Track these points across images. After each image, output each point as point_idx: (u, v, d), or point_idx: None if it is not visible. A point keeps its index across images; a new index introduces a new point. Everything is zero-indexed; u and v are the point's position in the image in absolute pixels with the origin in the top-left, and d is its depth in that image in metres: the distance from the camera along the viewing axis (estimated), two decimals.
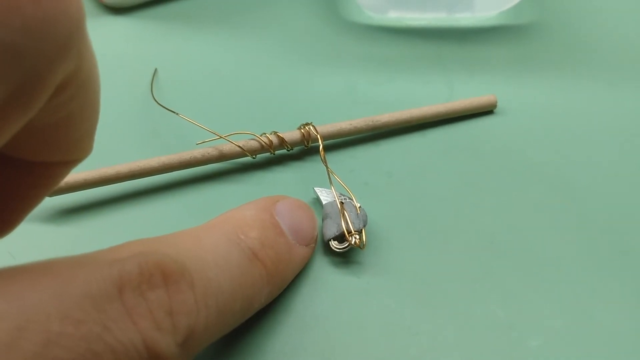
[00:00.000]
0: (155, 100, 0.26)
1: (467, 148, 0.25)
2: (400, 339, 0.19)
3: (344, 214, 0.21)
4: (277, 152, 0.24)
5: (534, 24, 0.31)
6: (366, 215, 0.21)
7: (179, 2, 0.33)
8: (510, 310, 0.20)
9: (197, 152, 0.23)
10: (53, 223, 0.23)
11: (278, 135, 0.24)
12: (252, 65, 0.29)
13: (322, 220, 0.21)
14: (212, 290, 0.14)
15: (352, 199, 0.22)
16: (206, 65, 0.29)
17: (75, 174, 0.22)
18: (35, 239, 0.22)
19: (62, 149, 0.13)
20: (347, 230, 0.21)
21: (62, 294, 0.11)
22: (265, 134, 0.24)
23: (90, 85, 0.12)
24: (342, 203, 0.21)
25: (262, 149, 0.24)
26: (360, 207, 0.21)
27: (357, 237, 0.21)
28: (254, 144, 0.24)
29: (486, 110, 0.27)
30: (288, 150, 0.24)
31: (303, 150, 0.25)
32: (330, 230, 0.21)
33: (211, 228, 0.17)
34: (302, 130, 0.24)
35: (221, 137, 0.23)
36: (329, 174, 0.23)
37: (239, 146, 0.23)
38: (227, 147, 0.23)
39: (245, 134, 0.24)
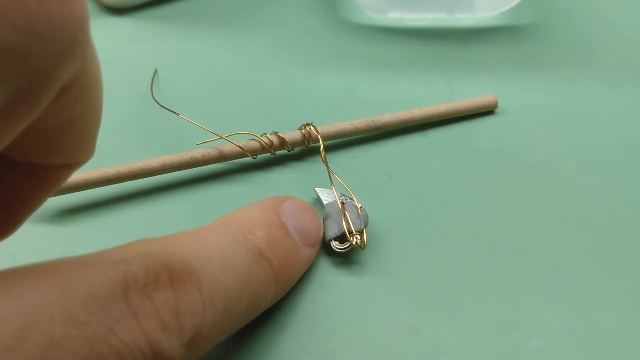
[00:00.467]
0: (156, 101, 0.26)
1: (467, 148, 0.25)
2: (401, 339, 0.19)
3: (345, 214, 0.21)
4: (277, 152, 0.24)
5: (534, 24, 0.31)
6: (367, 216, 0.21)
7: (179, 2, 0.33)
8: (511, 311, 0.20)
9: (198, 153, 0.23)
10: (53, 223, 0.23)
11: (279, 136, 0.24)
12: (252, 66, 0.29)
13: (323, 220, 0.21)
14: (218, 290, 0.14)
15: (353, 199, 0.22)
16: (206, 65, 0.29)
17: (75, 174, 0.22)
18: (34, 239, 0.22)
19: (65, 152, 0.13)
20: (348, 231, 0.21)
21: (65, 295, 0.11)
22: (265, 134, 0.24)
23: (94, 87, 0.12)
24: (343, 203, 0.21)
25: (263, 149, 0.24)
26: (361, 207, 0.21)
27: (358, 237, 0.21)
28: (254, 144, 0.24)
29: (487, 111, 0.27)
30: (289, 151, 0.24)
31: (304, 150, 0.25)
32: (332, 231, 0.21)
33: (217, 228, 0.17)
34: (302, 131, 0.24)
35: (221, 138, 0.23)
36: (329, 174, 0.23)
37: (239, 146, 0.23)
38: (227, 147, 0.23)
39: (246, 134, 0.24)
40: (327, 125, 0.24)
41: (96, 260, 0.12)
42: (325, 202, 0.22)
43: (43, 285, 0.11)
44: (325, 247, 0.21)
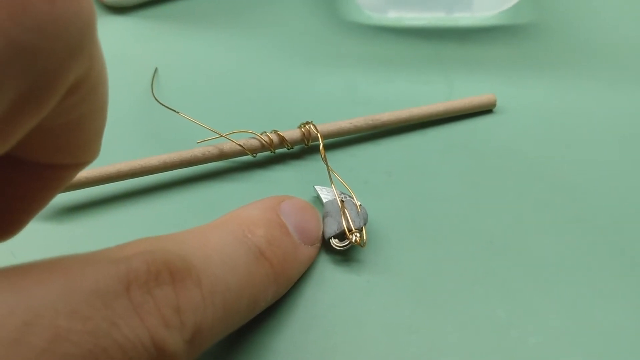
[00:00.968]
0: (156, 99, 0.26)
1: (466, 147, 0.25)
2: (400, 337, 0.19)
3: (344, 212, 0.21)
4: (277, 150, 0.24)
5: (533, 23, 0.32)
6: (366, 214, 0.22)
7: (179, 2, 0.33)
8: (510, 309, 0.20)
9: (198, 151, 0.23)
10: (54, 221, 0.23)
11: (278, 134, 0.24)
12: (252, 64, 0.29)
13: (323, 218, 0.22)
14: (219, 287, 0.14)
15: (352, 197, 0.22)
16: (206, 64, 0.29)
17: None
18: (36, 237, 0.22)
19: (71, 152, 0.14)
20: (347, 228, 0.21)
21: (70, 290, 0.11)
22: (265, 132, 0.24)
23: (100, 87, 0.12)
24: (342, 201, 0.22)
25: (263, 147, 0.24)
26: (360, 205, 0.22)
27: (358, 235, 0.21)
28: (254, 142, 0.24)
29: (486, 109, 0.27)
30: (288, 149, 0.25)
31: (303, 149, 0.25)
32: (331, 228, 0.21)
33: (218, 226, 0.17)
34: (302, 129, 0.24)
35: (222, 136, 0.23)
36: (329, 173, 0.23)
37: (239, 145, 0.24)
38: (227, 145, 0.24)
39: (246, 132, 0.24)
40: (327, 123, 0.25)
41: (99, 257, 0.12)
42: (324, 200, 0.22)
43: (48, 281, 0.11)
44: (324, 244, 0.22)
